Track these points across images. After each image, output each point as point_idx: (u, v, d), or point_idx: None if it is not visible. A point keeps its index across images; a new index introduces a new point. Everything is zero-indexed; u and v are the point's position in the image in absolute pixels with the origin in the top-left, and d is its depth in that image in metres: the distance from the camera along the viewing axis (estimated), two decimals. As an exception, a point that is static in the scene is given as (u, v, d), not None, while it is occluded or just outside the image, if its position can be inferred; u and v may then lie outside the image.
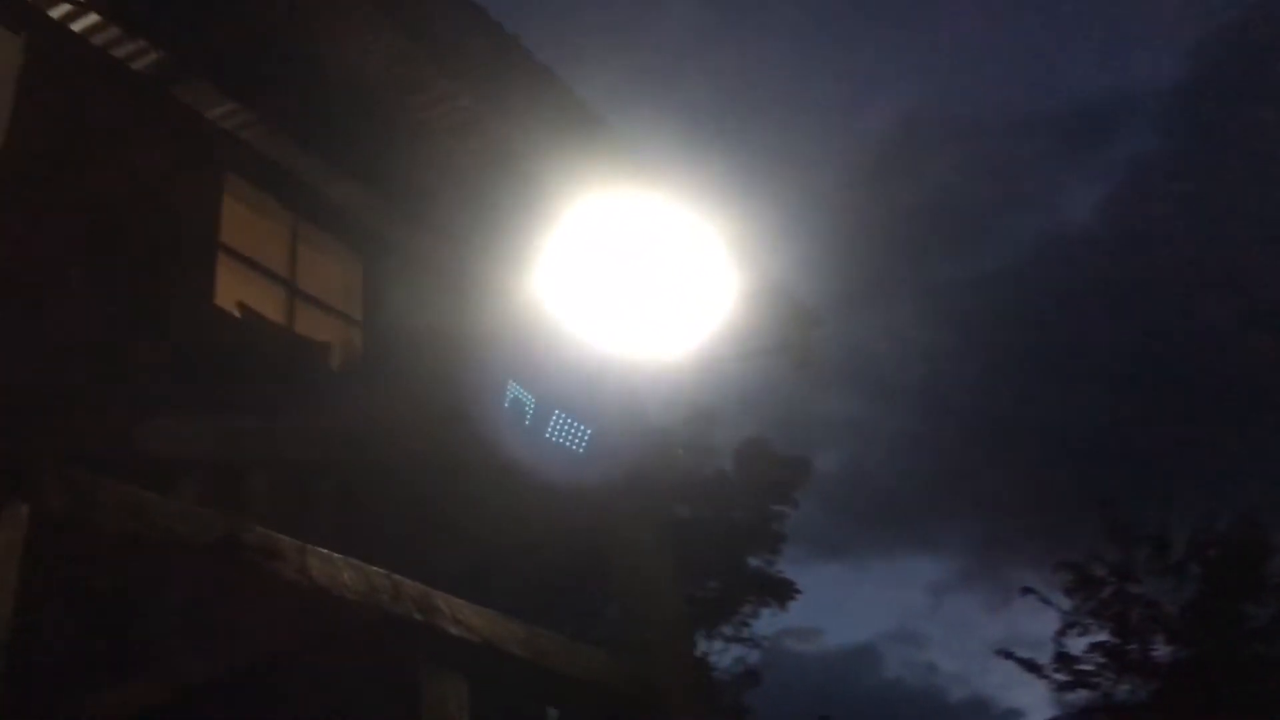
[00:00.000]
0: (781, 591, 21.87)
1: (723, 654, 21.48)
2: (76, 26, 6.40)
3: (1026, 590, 19.01)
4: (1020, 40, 75.89)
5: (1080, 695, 18.23)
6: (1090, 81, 78.46)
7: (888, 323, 63.63)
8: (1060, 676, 18.24)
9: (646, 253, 5.21)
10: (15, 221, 5.39)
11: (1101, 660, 18.00)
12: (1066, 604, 18.59)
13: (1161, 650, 17.84)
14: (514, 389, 6.21)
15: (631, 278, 5.18)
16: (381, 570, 3.30)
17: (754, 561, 21.91)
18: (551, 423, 6.25)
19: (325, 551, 3.18)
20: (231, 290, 6.33)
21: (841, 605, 58.75)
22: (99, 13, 6.39)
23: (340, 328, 7.12)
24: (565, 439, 6.17)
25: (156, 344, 5.70)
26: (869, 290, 65.01)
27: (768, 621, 21.97)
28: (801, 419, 51.62)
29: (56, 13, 6.30)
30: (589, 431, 6.21)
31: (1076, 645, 18.41)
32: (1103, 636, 18.11)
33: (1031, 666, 18.42)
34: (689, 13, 70.77)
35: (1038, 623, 19.24)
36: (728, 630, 21.59)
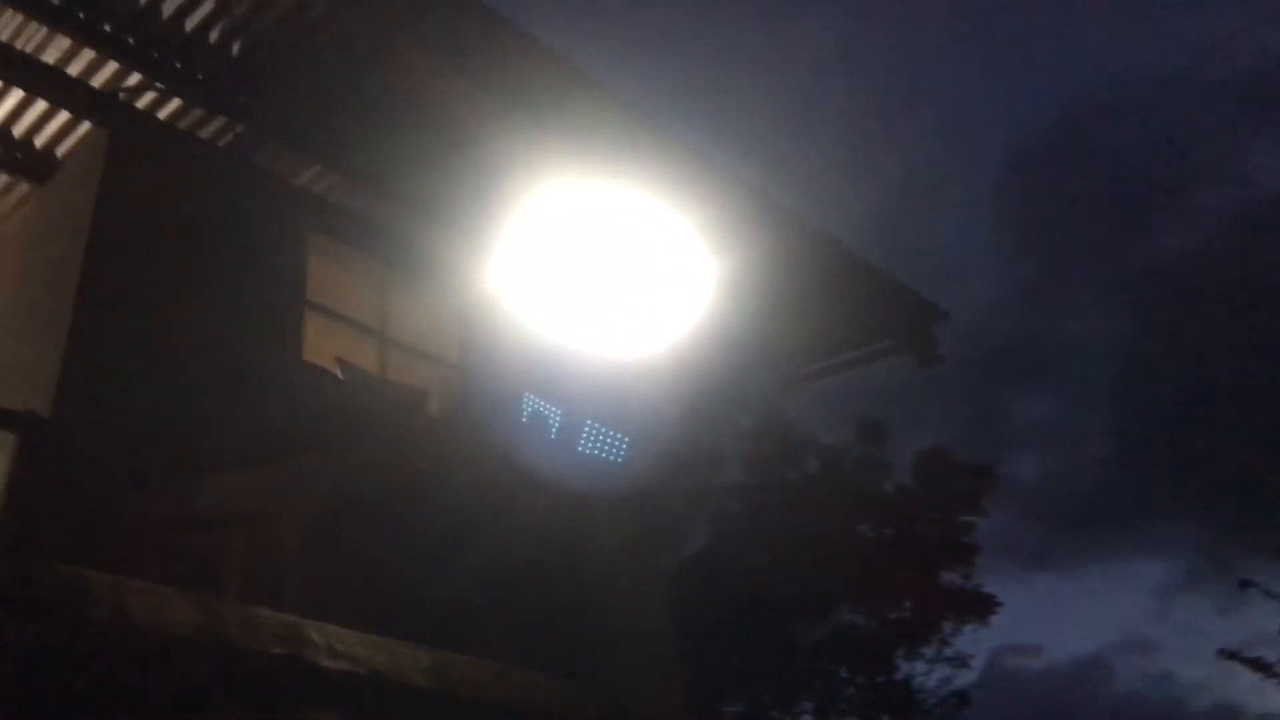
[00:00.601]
0: (982, 607, 20.91)
1: (927, 675, 20.70)
2: (161, 114, 6.72)
3: (1245, 584, 17.48)
4: (1189, 6, 71.59)
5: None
6: (1268, 43, 73.14)
7: (1076, 315, 60.32)
8: (1293, 675, 16.66)
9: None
10: (105, 308, 5.62)
11: (1339, 654, 16.37)
12: (1293, 595, 17.00)
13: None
14: (533, 401, 6.05)
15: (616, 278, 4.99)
16: (233, 603, 2.96)
17: (949, 577, 21.05)
18: (584, 434, 6.03)
19: (150, 585, 2.84)
20: (322, 345, 6.45)
21: (1063, 617, 55.45)
22: (181, 97, 6.69)
23: (438, 374, 7.17)
24: (600, 449, 5.94)
25: (250, 404, 5.83)
26: (1054, 282, 61.92)
27: (974, 639, 21.05)
28: (993, 425, 49.52)
29: (142, 103, 6.62)
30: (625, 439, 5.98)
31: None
32: (1335, 628, 16.46)
33: (1260, 666, 16.87)
34: (836, 20, 69.72)
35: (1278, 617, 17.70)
36: (928, 651, 20.81)
